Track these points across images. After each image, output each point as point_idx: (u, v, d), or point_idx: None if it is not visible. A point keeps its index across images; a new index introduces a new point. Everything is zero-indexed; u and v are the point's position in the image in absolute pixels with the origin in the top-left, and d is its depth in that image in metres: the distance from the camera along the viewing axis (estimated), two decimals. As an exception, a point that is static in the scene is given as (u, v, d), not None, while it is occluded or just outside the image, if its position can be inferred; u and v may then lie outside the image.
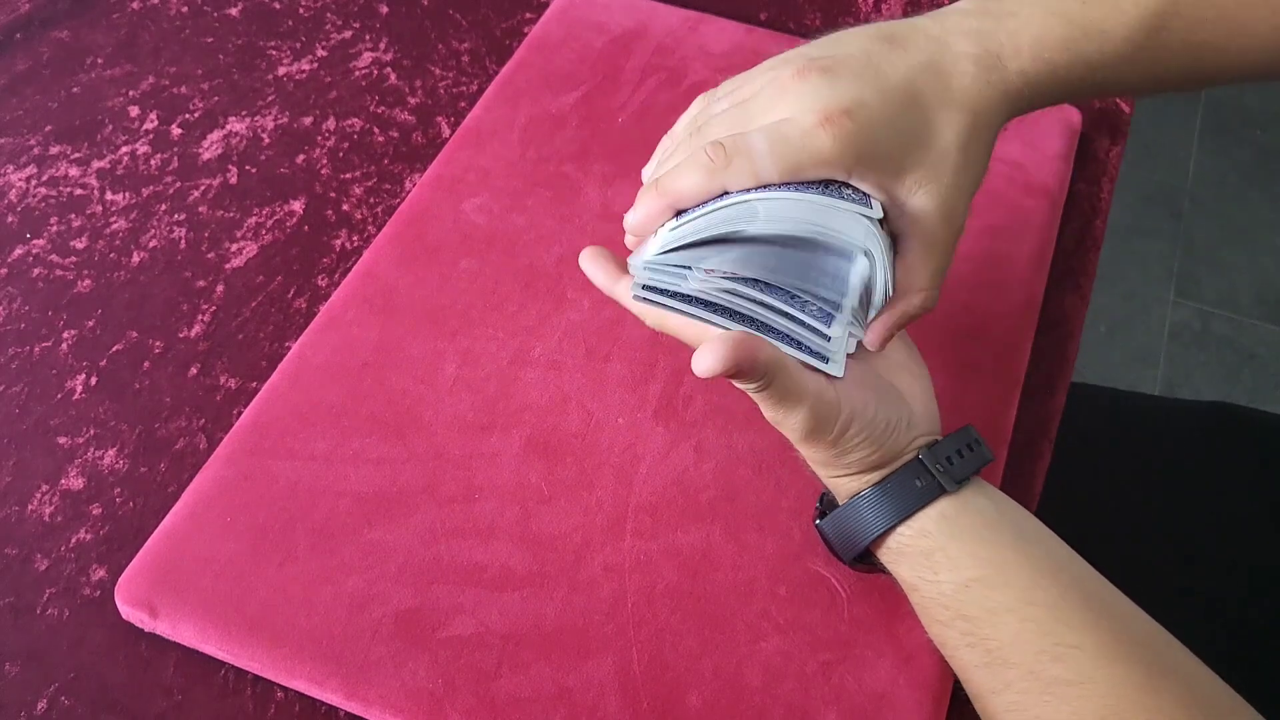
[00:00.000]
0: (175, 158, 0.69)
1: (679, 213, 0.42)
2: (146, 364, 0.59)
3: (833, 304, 0.42)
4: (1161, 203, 1.83)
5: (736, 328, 0.42)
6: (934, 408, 0.46)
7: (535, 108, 0.69)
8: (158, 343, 0.60)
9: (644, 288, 0.43)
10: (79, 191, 0.67)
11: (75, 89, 0.72)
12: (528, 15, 0.78)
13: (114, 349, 0.60)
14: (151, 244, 0.64)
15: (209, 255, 0.64)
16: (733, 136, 0.40)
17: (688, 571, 0.50)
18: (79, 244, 0.64)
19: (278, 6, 0.78)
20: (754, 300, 0.41)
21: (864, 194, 0.41)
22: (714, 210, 0.41)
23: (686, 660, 0.48)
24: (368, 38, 0.76)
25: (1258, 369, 1.64)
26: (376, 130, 0.70)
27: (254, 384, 0.58)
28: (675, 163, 0.43)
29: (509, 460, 0.54)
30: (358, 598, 0.49)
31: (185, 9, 0.78)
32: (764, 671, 0.48)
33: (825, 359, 0.42)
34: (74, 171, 0.68)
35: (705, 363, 0.39)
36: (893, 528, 0.43)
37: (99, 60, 0.74)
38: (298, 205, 0.66)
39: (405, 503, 0.52)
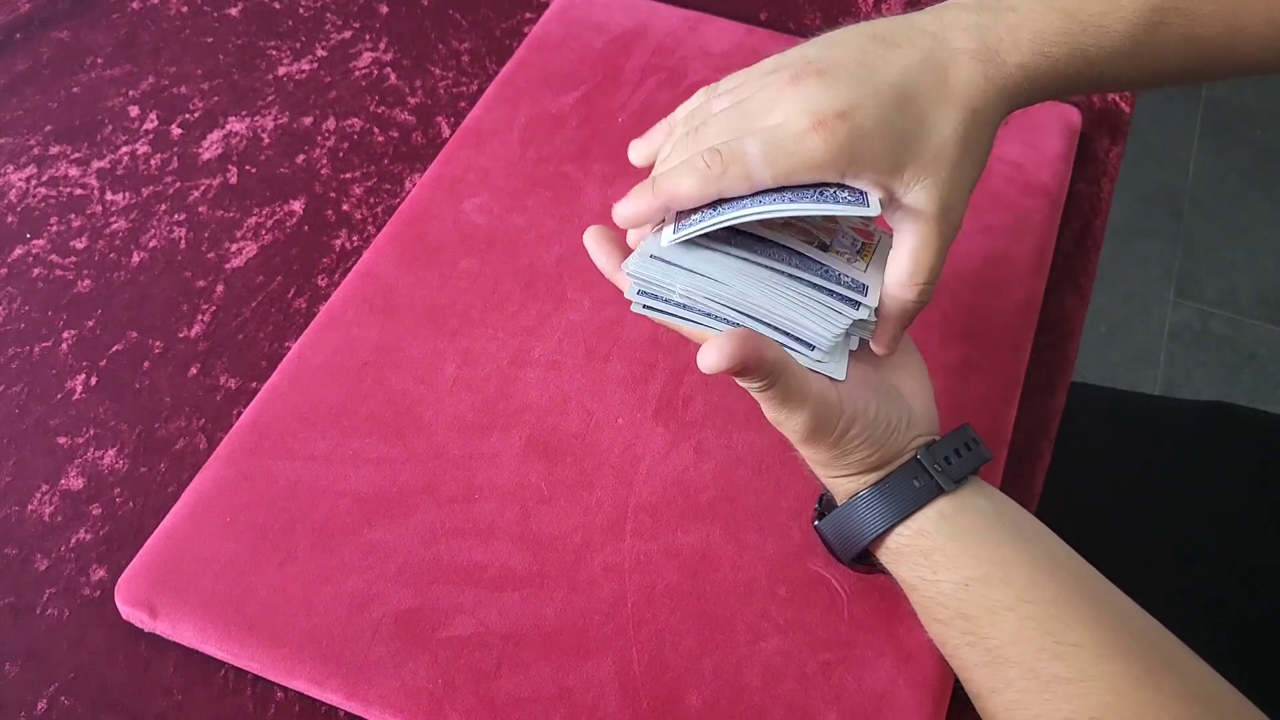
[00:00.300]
0: (175, 158, 0.69)
1: (679, 215, 0.43)
2: (146, 364, 0.59)
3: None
4: (1161, 203, 1.83)
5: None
6: (933, 407, 0.46)
7: (535, 108, 0.69)
8: (158, 343, 0.60)
9: (640, 293, 0.43)
10: (79, 191, 0.67)
11: (75, 89, 0.72)
12: (528, 15, 0.78)
13: (114, 349, 0.60)
14: (151, 244, 0.64)
15: (209, 255, 0.64)
16: (728, 143, 0.41)
17: (688, 571, 0.50)
18: (79, 244, 0.64)
19: (278, 6, 0.78)
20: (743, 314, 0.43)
21: (860, 191, 0.41)
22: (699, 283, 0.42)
23: (686, 660, 0.48)
24: (368, 38, 0.76)
25: (1258, 369, 1.64)
26: (376, 130, 0.70)
27: (254, 384, 0.58)
28: (674, 163, 0.43)
29: (509, 460, 0.54)
30: (358, 598, 0.49)
31: (185, 9, 0.78)
32: (764, 671, 0.48)
33: (825, 361, 0.43)
34: (74, 171, 0.68)
35: (710, 359, 0.39)
36: (891, 528, 0.43)
37: (99, 60, 0.74)
38: (298, 205, 0.66)
39: (405, 503, 0.52)
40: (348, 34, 0.76)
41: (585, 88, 0.71)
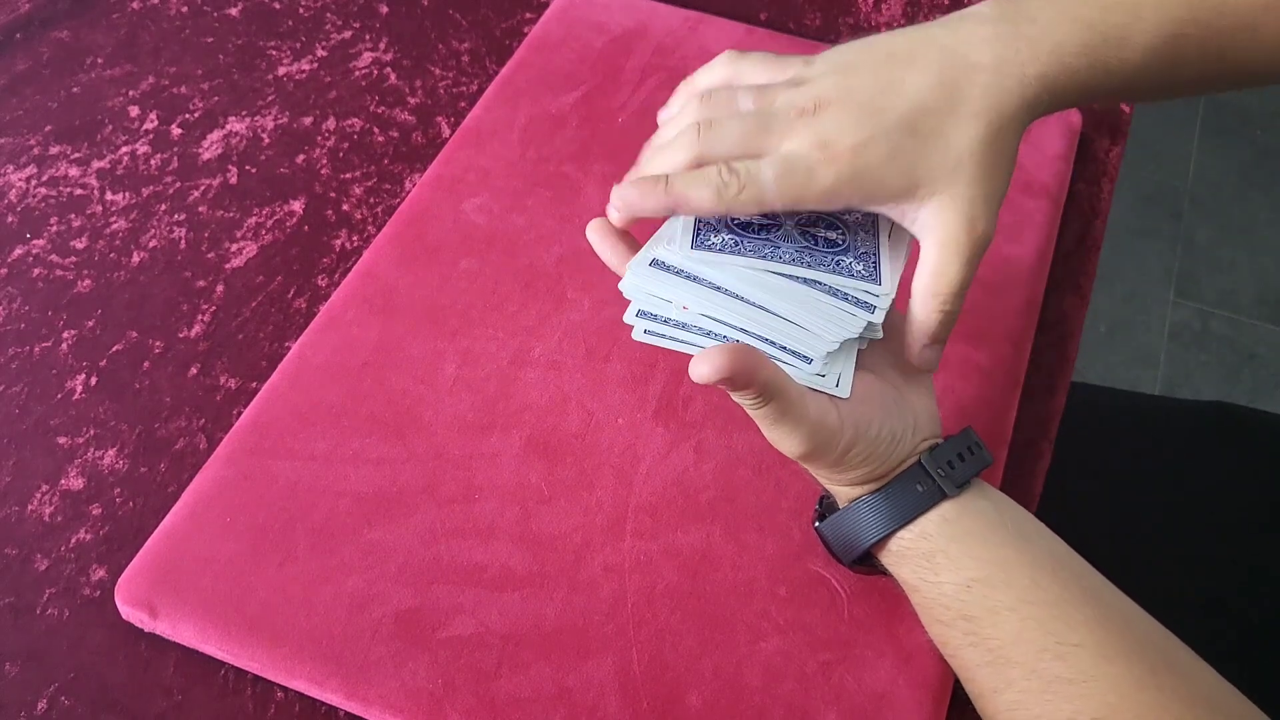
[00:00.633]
0: (175, 158, 0.69)
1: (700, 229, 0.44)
2: (146, 364, 0.59)
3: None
4: (1161, 203, 1.83)
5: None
6: (935, 409, 0.46)
7: (535, 108, 0.69)
8: (158, 343, 0.60)
9: (639, 315, 0.43)
10: (79, 191, 0.67)
11: (75, 89, 0.72)
12: (528, 15, 0.78)
13: (114, 349, 0.60)
14: (151, 244, 0.64)
15: (209, 255, 0.64)
16: (746, 166, 0.42)
17: (688, 572, 0.50)
18: (79, 244, 0.64)
19: (278, 6, 0.78)
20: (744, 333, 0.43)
21: (875, 265, 0.43)
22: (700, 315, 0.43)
23: (686, 660, 0.48)
24: (368, 38, 0.76)
25: (1258, 369, 1.64)
26: (376, 130, 0.70)
27: (254, 384, 0.58)
28: (683, 157, 0.43)
29: (509, 460, 0.54)
30: (358, 598, 0.49)
31: (185, 9, 0.78)
32: (764, 671, 0.48)
33: (831, 379, 0.43)
34: (74, 171, 0.68)
35: (700, 370, 0.39)
36: (893, 531, 0.43)
37: (99, 60, 0.74)
38: (298, 205, 0.66)
39: (405, 503, 0.52)
40: (348, 34, 0.76)
41: (585, 88, 0.71)
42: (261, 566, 0.50)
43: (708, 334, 0.43)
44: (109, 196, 0.66)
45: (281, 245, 0.64)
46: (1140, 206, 1.83)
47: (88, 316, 0.61)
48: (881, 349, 0.45)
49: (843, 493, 0.45)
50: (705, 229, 0.43)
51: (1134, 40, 0.43)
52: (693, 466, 0.54)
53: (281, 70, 0.74)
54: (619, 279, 0.44)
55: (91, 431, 0.56)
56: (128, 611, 0.49)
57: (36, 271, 0.63)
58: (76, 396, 0.58)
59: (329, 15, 0.78)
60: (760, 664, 0.48)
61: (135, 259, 0.63)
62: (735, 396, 0.41)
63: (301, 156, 0.69)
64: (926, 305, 0.43)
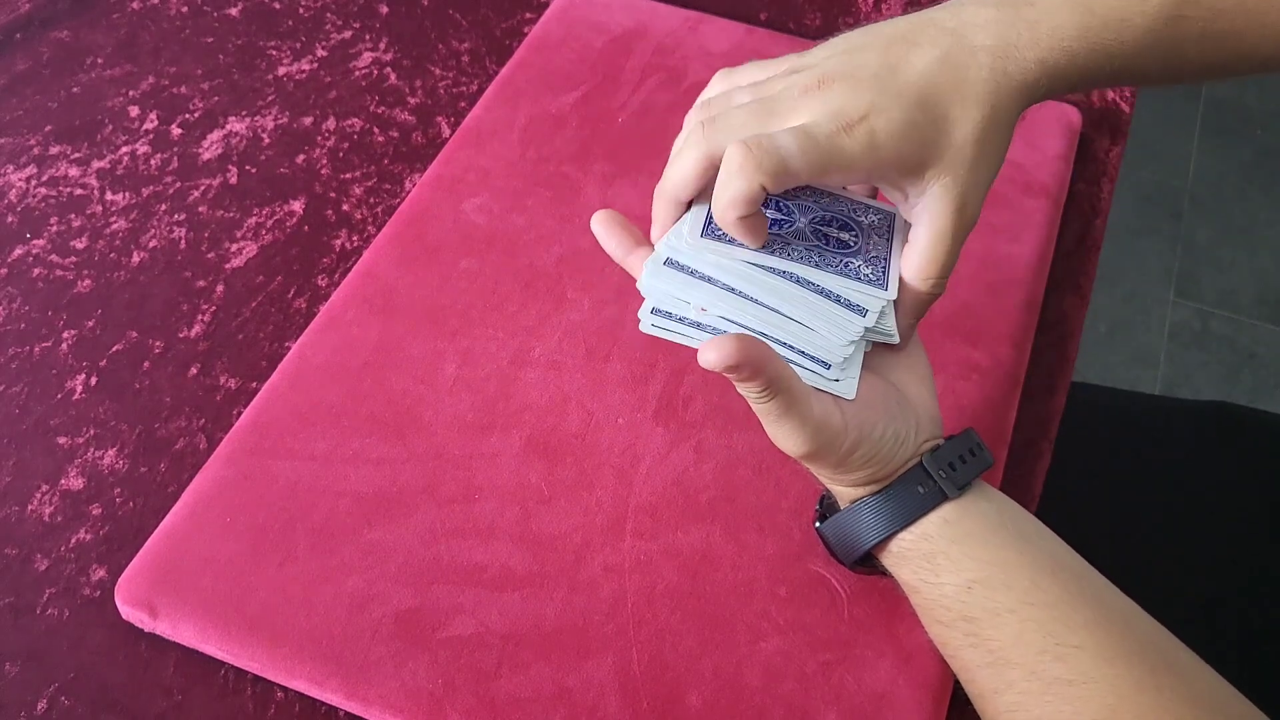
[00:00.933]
0: (175, 158, 0.69)
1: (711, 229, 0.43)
2: (146, 364, 0.59)
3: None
4: (1161, 203, 1.83)
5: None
6: (937, 410, 0.46)
7: (535, 108, 0.69)
8: (158, 343, 0.60)
9: (652, 311, 0.43)
10: (79, 191, 0.67)
11: (75, 89, 0.72)
12: (528, 15, 0.78)
13: (114, 349, 0.60)
14: (151, 244, 0.64)
15: (209, 255, 0.64)
16: (759, 138, 0.40)
17: (688, 572, 0.50)
18: (79, 244, 0.64)
19: (278, 6, 0.78)
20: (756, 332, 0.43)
21: (884, 268, 0.43)
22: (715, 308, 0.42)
23: (686, 660, 0.48)
24: (368, 38, 0.76)
25: (1258, 369, 1.64)
26: (376, 130, 0.70)
27: (254, 384, 0.58)
28: (694, 155, 0.42)
29: (509, 460, 0.54)
30: (358, 598, 0.49)
31: (185, 9, 0.78)
32: (764, 671, 0.48)
33: (837, 381, 0.42)
34: (74, 171, 0.68)
35: (708, 357, 0.39)
36: (895, 533, 0.43)
37: (99, 60, 0.74)
38: (298, 205, 0.66)
39: (405, 503, 0.52)
40: (348, 34, 0.76)
41: (585, 88, 0.71)
42: (261, 566, 0.50)
43: (720, 333, 0.43)
44: (109, 196, 0.66)
45: (281, 245, 0.64)
46: (1140, 206, 1.83)
47: (88, 316, 0.61)
48: (883, 349, 0.45)
49: (844, 493, 0.45)
50: (714, 220, 0.43)
51: (1134, 21, 0.42)
52: (693, 466, 0.54)
53: (281, 70, 0.74)
54: (619, 278, 0.44)
55: (91, 431, 0.56)
56: (128, 611, 0.49)
57: (36, 271, 0.63)
58: (76, 396, 0.58)
59: (329, 15, 0.78)
60: (760, 664, 0.48)
61: (135, 259, 0.63)
62: (741, 388, 0.40)
63: (301, 156, 0.69)
64: (919, 284, 0.43)
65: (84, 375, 0.58)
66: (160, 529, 0.51)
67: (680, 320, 0.43)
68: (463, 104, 0.72)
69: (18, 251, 0.64)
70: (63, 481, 0.55)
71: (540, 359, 0.58)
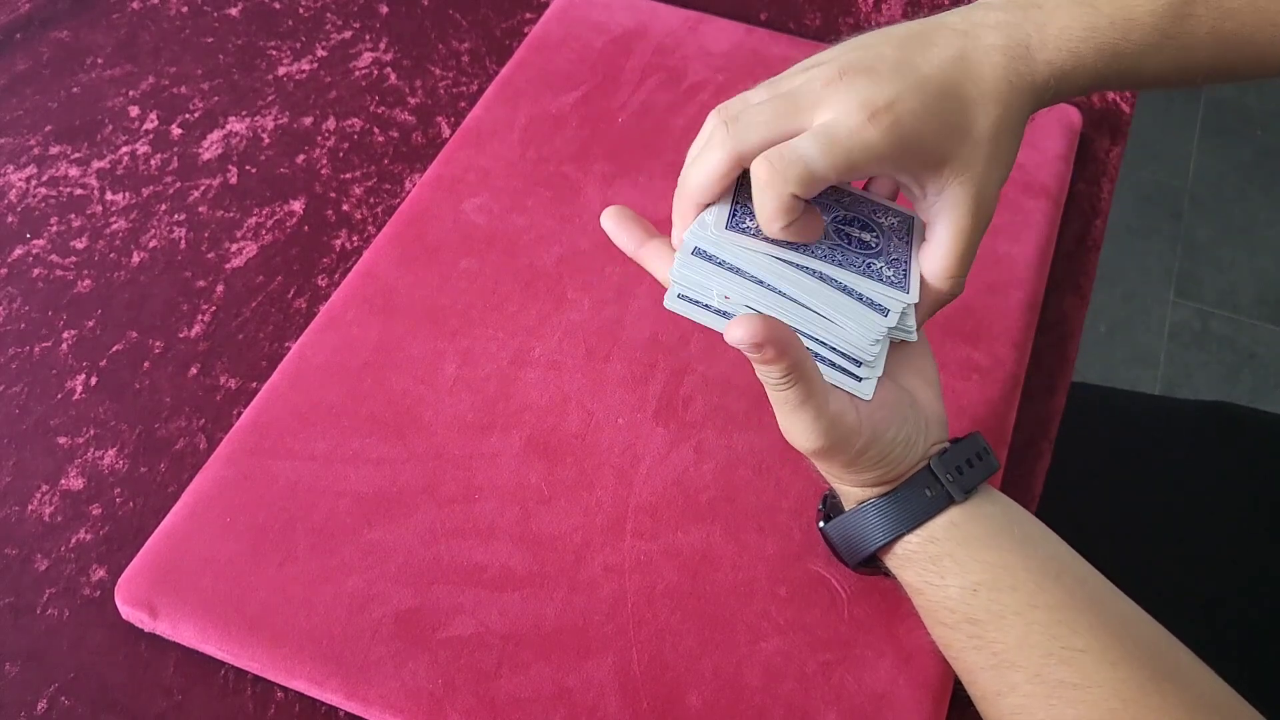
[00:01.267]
0: (175, 158, 0.69)
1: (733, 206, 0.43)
2: (146, 364, 0.59)
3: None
4: (1161, 203, 1.83)
5: None
6: (944, 413, 0.46)
7: (535, 108, 0.69)
8: (158, 343, 0.60)
9: (679, 297, 0.43)
10: (79, 191, 0.67)
11: (75, 89, 0.72)
12: (528, 15, 0.78)
13: (114, 349, 0.60)
14: (151, 244, 0.64)
15: (209, 255, 0.64)
16: (780, 150, 0.40)
17: (688, 572, 0.50)
18: (79, 244, 0.64)
19: (278, 6, 0.78)
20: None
21: (904, 270, 0.43)
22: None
23: (686, 660, 0.48)
24: (368, 38, 0.76)
25: (1258, 369, 1.64)
26: (376, 130, 0.70)
27: (254, 384, 0.58)
28: (719, 155, 0.41)
29: (509, 460, 0.54)
30: (358, 598, 0.49)
31: (185, 9, 0.78)
32: (764, 671, 0.48)
33: (857, 379, 0.43)
34: (74, 171, 0.68)
35: (735, 333, 0.38)
36: (901, 535, 0.43)
37: (99, 60, 0.74)
38: (298, 205, 0.66)
39: (405, 503, 0.52)
40: (348, 34, 0.76)
41: (585, 88, 0.71)
42: (261, 566, 0.50)
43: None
44: (109, 196, 0.66)
45: (281, 245, 0.64)
46: (1140, 206, 1.83)
47: (88, 316, 0.61)
48: (893, 354, 0.45)
49: (851, 493, 0.45)
50: (740, 211, 0.43)
51: (1141, 19, 0.42)
52: (693, 466, 0.54)
53: (281, 70, 0.74)
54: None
55: (91, 431, 0.56)
56: (128, 611, 0.49)
57: (36, 271, 0.63)
58: (76, 396, 0.58)
59: (329, 15, 0.78)
60: (760, 664, 0.48)
61: (135, 259, 0.63)
62: (762, 372, 0.40)
63: (301, 156, 0.69)
64: (939, 283, 0.43)
65: (84, 375, 0.58)
66: (160, 529, 0.51)
67: (705, 307, 0.43)
68: (463, 104, 0.72)
69: (18, 251, 0.64)
70: (63, 481, 0.55)
71: (540, 359, 0.58)
